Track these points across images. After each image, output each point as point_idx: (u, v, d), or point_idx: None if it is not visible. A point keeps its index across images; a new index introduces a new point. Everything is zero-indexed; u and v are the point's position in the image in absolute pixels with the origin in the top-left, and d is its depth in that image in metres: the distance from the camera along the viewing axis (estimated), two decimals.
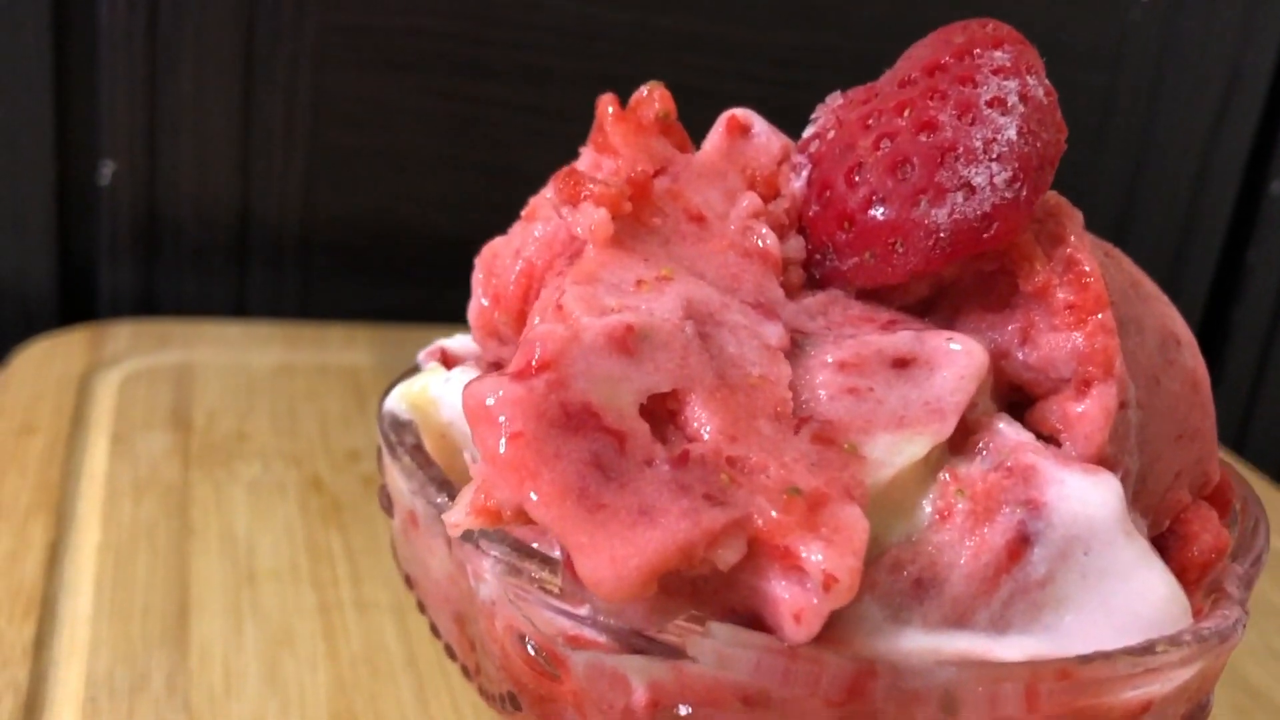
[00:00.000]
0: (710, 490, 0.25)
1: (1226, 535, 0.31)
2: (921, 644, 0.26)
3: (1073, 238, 0.31)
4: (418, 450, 0.32)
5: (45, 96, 0.77)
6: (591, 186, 0.29)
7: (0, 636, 0.47)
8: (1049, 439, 0.30)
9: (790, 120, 0.33)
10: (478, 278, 0.32)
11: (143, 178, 0.80)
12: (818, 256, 0.31)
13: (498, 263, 0.32)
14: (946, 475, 0.28)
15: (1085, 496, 0.28)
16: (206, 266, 0.83)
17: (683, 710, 0.26)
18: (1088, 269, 0.31)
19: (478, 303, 0.32)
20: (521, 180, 0.86)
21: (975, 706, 0.25)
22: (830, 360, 0.29)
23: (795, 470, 0.26)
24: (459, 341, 0.36)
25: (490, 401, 0.25)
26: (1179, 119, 0.93)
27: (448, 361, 0.36)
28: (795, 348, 0.29)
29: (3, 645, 0.47)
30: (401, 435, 0.32)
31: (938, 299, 0.32)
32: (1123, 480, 0.31)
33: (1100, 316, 0.30)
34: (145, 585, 0.51)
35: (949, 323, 0.31)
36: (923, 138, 0.30)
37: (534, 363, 0.25)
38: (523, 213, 0.33)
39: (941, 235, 0.30)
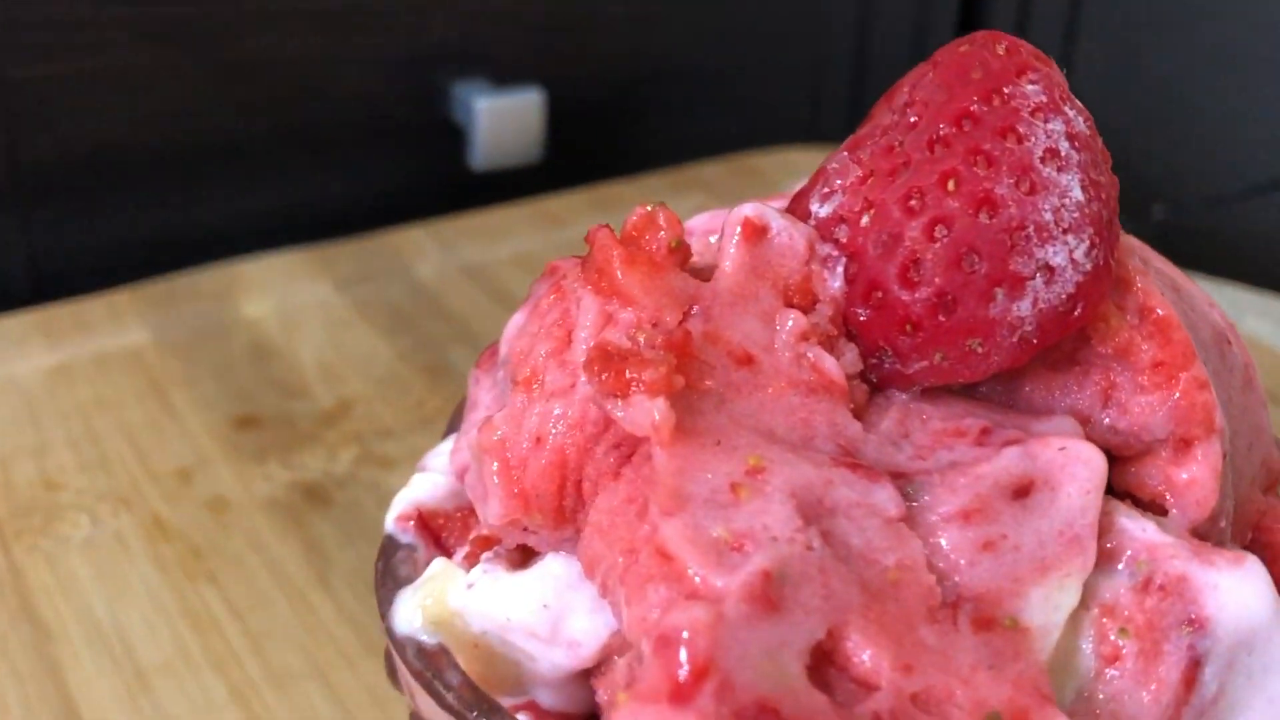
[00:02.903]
0: None
1: None
2: None
3: (1139, 279, 0.28)
4: (469, 689, 0.27)
5: None
6: (638, 374, 0.24)
7: None
8: (1149, 504, 0.28)
9: None
10: (489, 471, 0.26)
11: None
12: (873, 361, 0.27)
13: (512, 452, 0.26)
14: (1097, 610, 0.25)
15: (1244, 599, 0.25)
16: None
17: None
18: (1163, 313, 0.28)
19: (499, 503, 0.26)
20: (241, 71, 0.76)
21: None
22: (952, 512, 0.25)
23: (979, 684, 0.23)
24: (428, 490, 0.31)
25: None
26: None
27: (427, 525, 0.30)
28: (908, 501, 0.25)
29: None
30: (439, 669, 0.27)
31: None
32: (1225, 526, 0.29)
33: (1193, 371, 0.27)
34: None
35: (1017, 395, 0.28)
36: (983, 218, 0.26)
37: (686, 674, 0.21)
38: (516, 377, 0.27)
39: (1028, 330, 0.26)
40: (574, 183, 0.80)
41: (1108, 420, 0.28)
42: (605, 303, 0.26)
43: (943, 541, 0.25)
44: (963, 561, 0.25)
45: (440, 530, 0.30)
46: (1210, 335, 0.30)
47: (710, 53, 0.87)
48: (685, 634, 0.21)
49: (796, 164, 0.83)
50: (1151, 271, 0.29)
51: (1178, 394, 0.27)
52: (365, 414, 0.60)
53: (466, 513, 0.31)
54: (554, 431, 0.26)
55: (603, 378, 0.24)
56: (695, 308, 0.26)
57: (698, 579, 0.22)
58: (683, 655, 0.21)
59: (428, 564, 0.30)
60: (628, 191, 0.79)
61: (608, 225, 0.26)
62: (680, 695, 0.21)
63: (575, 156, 0.84)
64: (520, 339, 0.28)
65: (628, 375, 0.24)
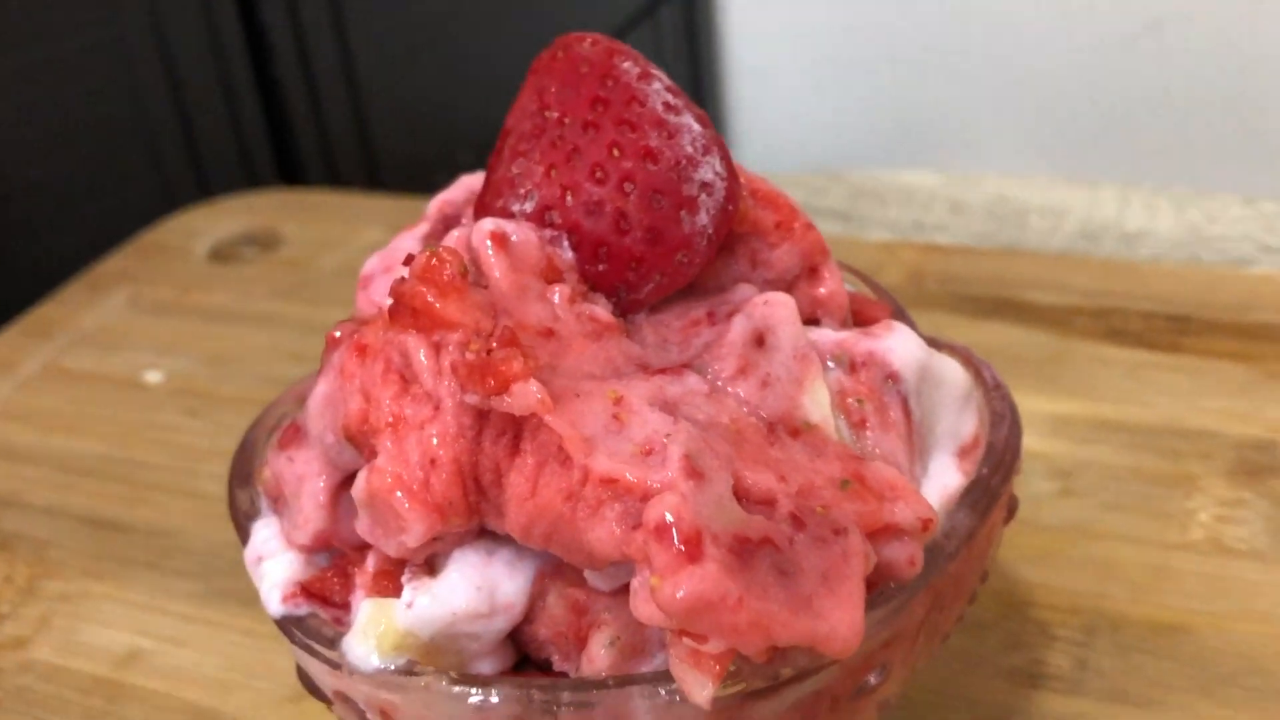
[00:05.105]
0: (831, 526, 0.31)
1: (887, 305, 0.42)
2: None
3: (740, 171, 0.38)
4: (465, 678, 0.32)
5: None
6: (509, 370, 0.30)
7: None
8: (809, 323, 0.38)
9: None
10: (398, 504, 0.31)
11: None
12: (614, 300, 0.35)
13: (412, 480, 0.31)
14: (836, 397, 0.35)
15: (909, 349, 0.36)
16: None
17: None
18: (767, 188, 0.38)
19: (420, 523, 0.31)
20: None
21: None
22: (731, 374, 0.34)
23: (821, 468, 0.32)
24: (289, 569, 0.35)
25: (702, 594, 0.28)
26: None
27: (311, 593, 0.34)
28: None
29: None
30: (424, 672, 0.32)
31: None
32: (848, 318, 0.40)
33: (800, 219, 0.38)
34: None
35: (699, 287, 0.37)
36: (650, 167, 0.34)
37: (684, 543, 0.28)
38: (375, 425, 0.32)
39: (710, 232, 0.35)
40: None
41: (761, 277, 0.38)
42: (429, 336, 0.32)
43: (740, 393, 0.34)
44: (757, 400, 0.34)
45: (323, 592, 0.35)
46: None
47: (47, 162, 0.87)
48: (669, 518, 0.29)
49: (192, 224, 0.86)
50: None
51: (796, 238, 0.38)
52: None
53: (336, 569, 0.35)
54: (441, 449, 0.32)
55: (487, 384, 0.30)
56: (500, 310, 0.33)
57: (649, 482, 0.30)
58: (676, 531, 0.29)
59: (335, 621, 0.34)
60: (55, 309, 0.79)
61: (403, 277, 0.32)
62: (694, 555, 0.28)
63: None
64: (350, 401, 0.33)
65: (503, 372, 0.31)
